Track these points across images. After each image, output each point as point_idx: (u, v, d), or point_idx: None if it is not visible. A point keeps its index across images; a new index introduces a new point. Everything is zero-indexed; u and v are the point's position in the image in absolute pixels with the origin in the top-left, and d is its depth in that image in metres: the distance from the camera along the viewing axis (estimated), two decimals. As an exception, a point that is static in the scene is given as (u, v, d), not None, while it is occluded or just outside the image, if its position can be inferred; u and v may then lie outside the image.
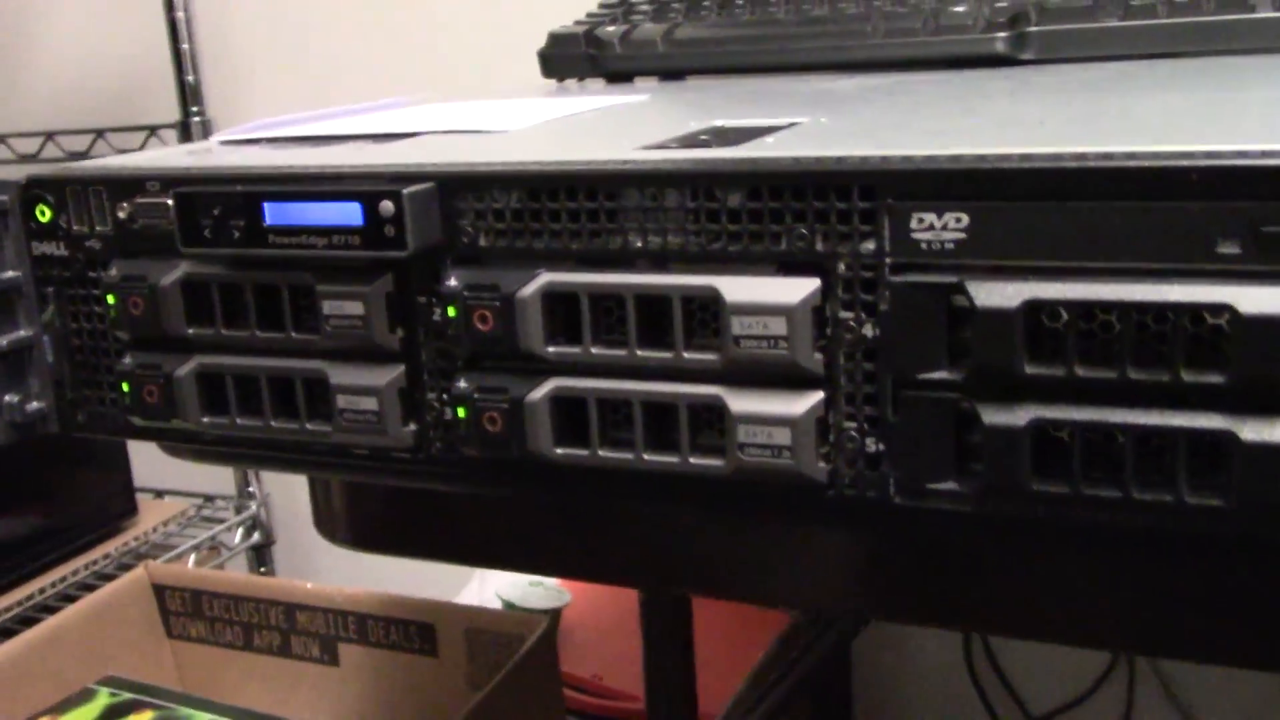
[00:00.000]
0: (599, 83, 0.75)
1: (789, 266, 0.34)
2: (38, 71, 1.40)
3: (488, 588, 1.12)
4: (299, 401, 0.41)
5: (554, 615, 1.09)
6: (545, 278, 0.36)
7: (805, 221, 0.33)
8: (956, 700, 1.27)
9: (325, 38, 1.21)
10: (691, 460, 0.36)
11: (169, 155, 0.47)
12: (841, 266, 0.33)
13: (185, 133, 1.16)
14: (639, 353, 0.36)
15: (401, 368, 0.39)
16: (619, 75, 0.74)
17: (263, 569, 1.30)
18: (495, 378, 0.38)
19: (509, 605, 1.08)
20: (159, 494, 1.27)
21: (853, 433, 0.34)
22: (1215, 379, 0.30)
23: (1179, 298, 0.30)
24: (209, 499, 1.28)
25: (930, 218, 0.32)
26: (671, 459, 0.36)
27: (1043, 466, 0.32)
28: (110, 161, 0.45)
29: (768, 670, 0.97)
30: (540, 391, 0.37)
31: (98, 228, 0.43)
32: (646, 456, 0.36)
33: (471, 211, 0.37)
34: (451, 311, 0.38)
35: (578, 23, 0.78)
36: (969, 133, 0.38)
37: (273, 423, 0.41)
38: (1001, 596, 0.40)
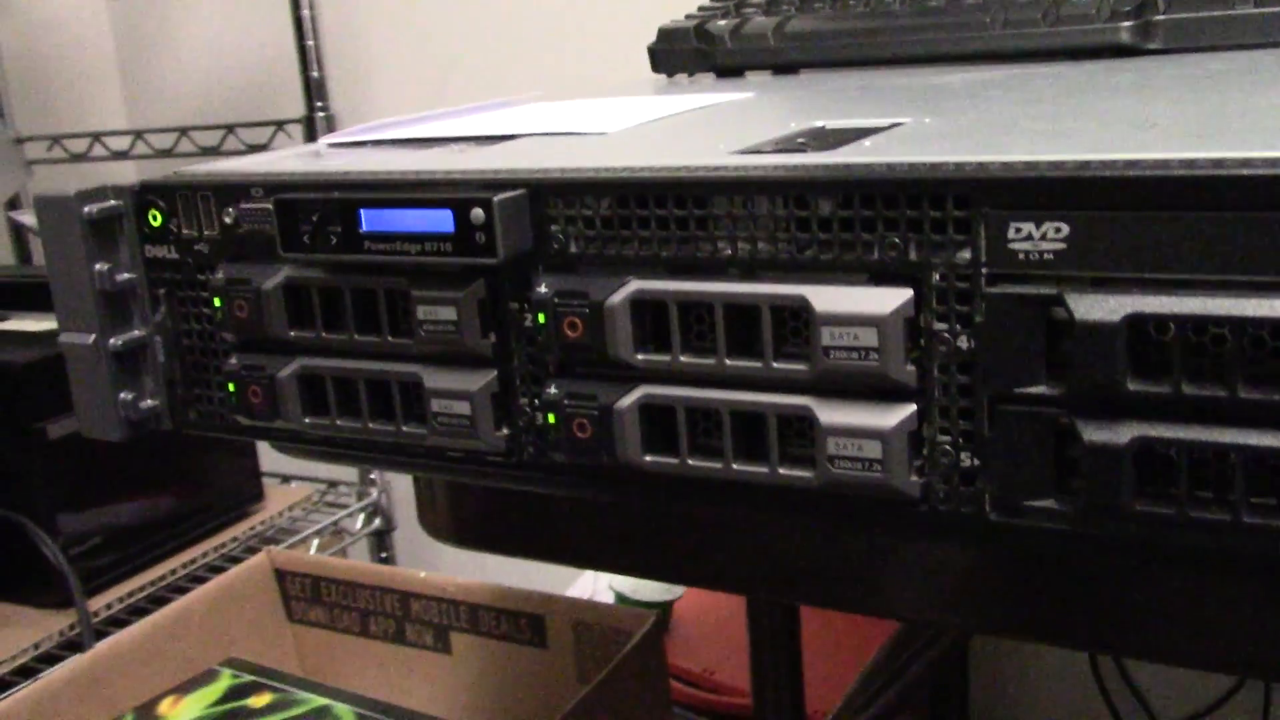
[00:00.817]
0: (709, 77, 0.74)
1: (881, 276, 0.33)
2: (173, 69, 1.45)
3: (601, 579, 1.13)
4: (395, 404, 0.41)
5: (665, 609, 1.09)
6: (634, 285, 0.36)
7: (898, 230, 0.32)
8: (1081, 705, 1.23)
9: (445, 34, 1.23)
10: (781, 471, 0.35)
11: (276, 159, 0.48)
12: (935, 277, 0.32)
13: (310, 128, 1.18)
14: (728, 362, 0.35)
15: (494, 373, 0.39)
16: (729, 70, 0.74)
17: (384, 555, 1.33)
18: (585, 384, 0.38)
19: (621, 597, 1.09)
20: (285, 479, 1.30)
21: (947, 447, 0.33)
22: (1334, 399, 0.28)
23: (1291, 313, 0.28)
24: (333, 485, 1.31)
25: (1028, 227, 0.31)
26: (761, 469, 0.35)
27: (1146, 486, 0.31)
28: (218, 167, 0.46)
29: (881, 669, 0.95)
30: (629, 399, 0.37)
31: (205, 232, 0.44)
32: (736, 466, 0.36)
33: (562, 218, 0.37)
34: (541, 318, 0.38)
35: (688, 17, 0.78)
36: (1075, 136, 0.36)
37: (371, 424, 0.42)
38: (1109, 615, 0.38)
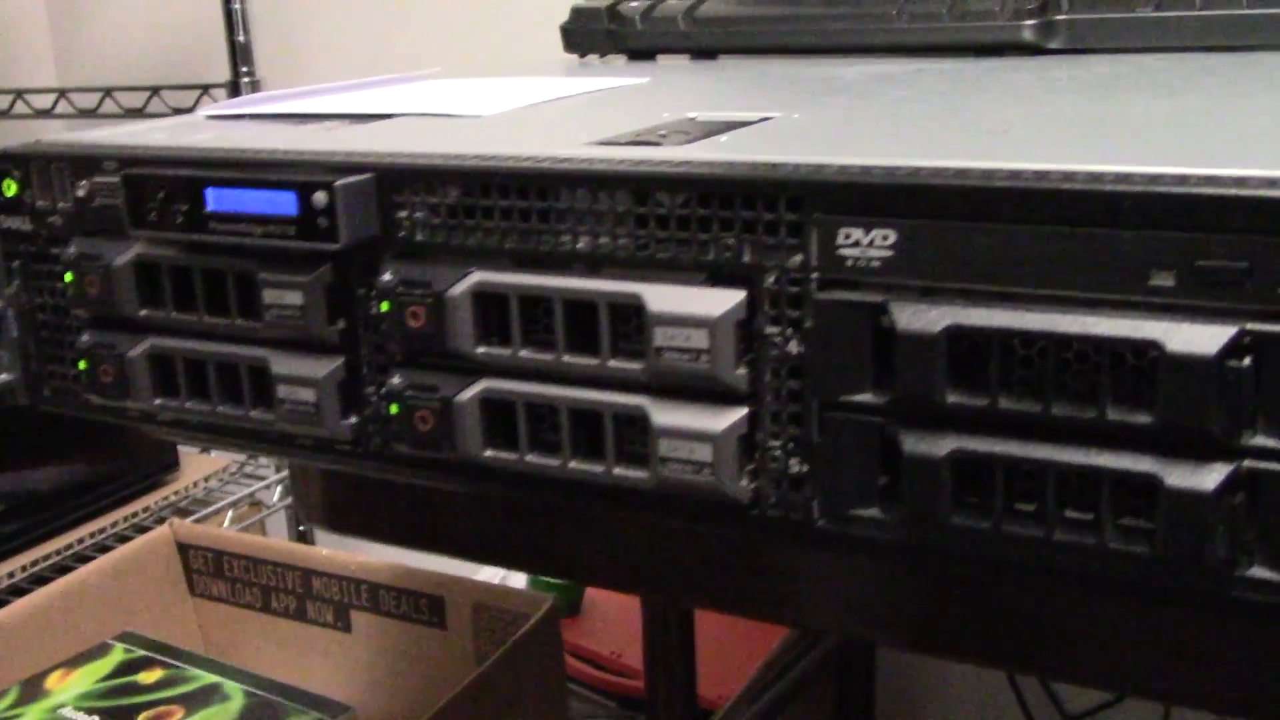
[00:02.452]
0: (621, 59, 0.74)
1: (718, 277, 0.33)
2: (103, 28, 1.42)
3: (515, 559, 1.12)
4: (244, 388, 0.40)
5: (572, 590, 1.09)
6: (476, 277, 0.35)
7: (733, 231, 0.32)
8: (989, 689, 1.24)
9: (374, 2, 1.21)
10: (616, 470, 0.35)
11: (141, 131, 0.47)
12: (769, 280, 0.32)
13: (234, 92, 1.16)
14: (566, 358, 0.35)
15: (340, 360, 0.39)
16: (640, 53, 0.73)
17: (301, 529, 1.32)
18: (428, 376, 0.37)
19: (534, 579, 1.08)
20: (205, 448, 1.29)
21: (777, 452, 0.33)
22: (1143, 419, 0.28)
23: (1104, 331, 0.28)
24: (252, 456, 1.30)
25: (857, 233, 0.30)
26: (597, 468, 0.35)
27: (968, 499, 0.31)
28: (75, 137, 0.45)
29: (787, 652, 0.96)
30: (470, 393, 0.36)
31: (60, 204, 0.43)
32: (572, 464, 0.35)
33: (409, 204, 0.36)
34: (385, 306, 0.37)
35: (604, -4, 0.77)
36: (927, 139, 0.36)
37: (220, 408, 0.41)
38: (1002, 631, 0.38)
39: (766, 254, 0.32)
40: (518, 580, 1.08)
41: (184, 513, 1.17)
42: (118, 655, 0.82)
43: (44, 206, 0.43)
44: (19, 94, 1.33)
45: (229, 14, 1.13)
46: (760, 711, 0.85)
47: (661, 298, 0.33)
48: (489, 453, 0.36)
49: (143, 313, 0.41)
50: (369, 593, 0.86)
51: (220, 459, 1.26)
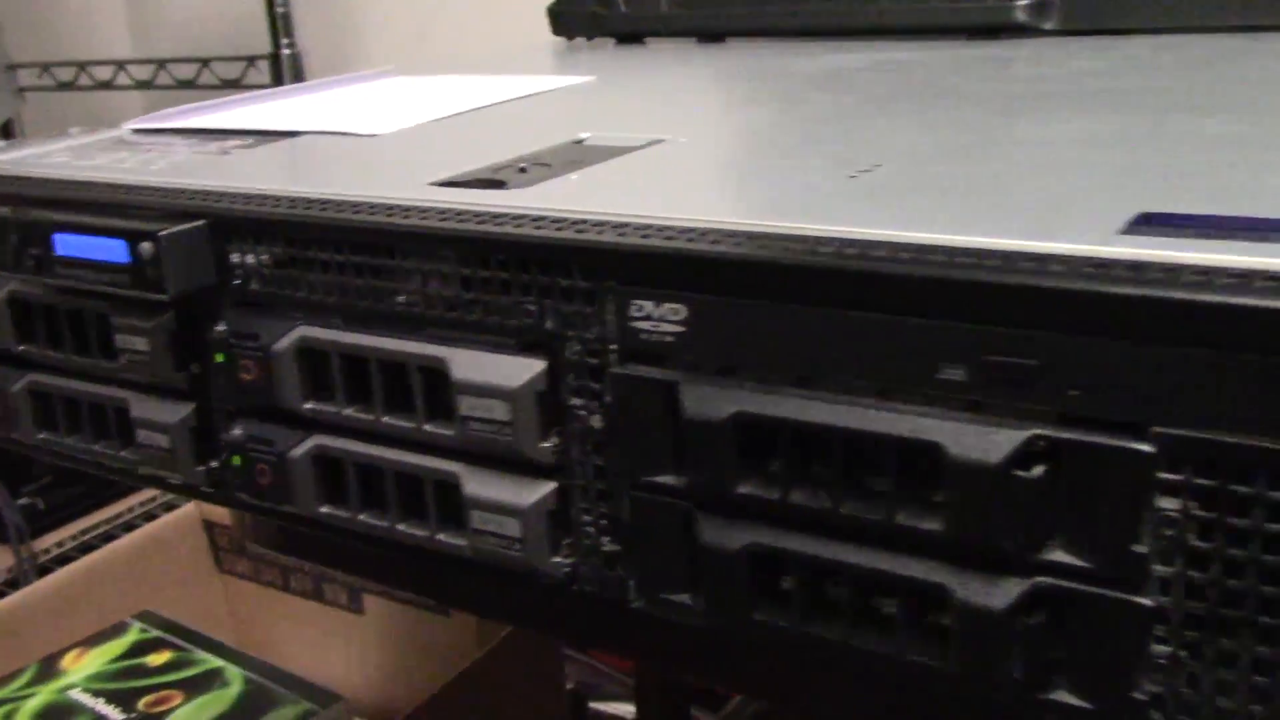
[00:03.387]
0: (609, 42, 0.71)
1: (526, 344, 0.31)
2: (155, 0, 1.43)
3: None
4: (111, 429, 0.40)
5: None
6: (300, 332, 0.34)
7: (533, 296, 0.30)
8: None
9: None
10: (439, 537, 0.33)
11: (54, 150, 0.46)
12: (571, 350, 0.30)
13: (276, 64, 1.16)
14: (385, 419, 0.33)
15: (192, 406, 0.38)
16: (627, 36, 0.70)
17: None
18: (266, 429, 0.36)
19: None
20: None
21: (590, 529, 0.31)
22: (932, 525, 0.25)
23: (886, 429, 0.25)
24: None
25: (648, 305, 0.28)
26: (421, 532, 0.33)
27: (773, 589, 0.28)
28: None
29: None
30: (302, 449, 0.35)
31: (-53, 235, 0.43)
32: (400, 527, 0.34)
33: (242, 252, 0.35)
34: (220, 358, 0.36)
35: (593, -22, 0.74)
36: (785, 182, 0.33)
37: (95, 446, 0.41)
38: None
39: (567, 323, 0.29)
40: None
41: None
42: (133, 635, 0.84)
43: (-65, 236, 0.43)
44: (82, 66, 1.35)
45: (269, -15, 1.13)
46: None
47: (465, 365, 0.31)
48: (324, 509, 0.35)
49: (20, 349, 0.41)
50: (379, 577, 0.86)
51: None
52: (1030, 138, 0.36)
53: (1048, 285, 0.23)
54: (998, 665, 0.25)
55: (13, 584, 1.00)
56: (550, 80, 0.54)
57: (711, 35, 0.67)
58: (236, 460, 0.36)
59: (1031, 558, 0.24)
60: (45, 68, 1.38)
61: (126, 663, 0.80)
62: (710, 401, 0.27)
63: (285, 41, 1.15)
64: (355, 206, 0.33)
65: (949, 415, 0.25)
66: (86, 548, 1.06)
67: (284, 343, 0.34)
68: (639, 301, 0.28)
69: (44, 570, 1.01)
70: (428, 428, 0.32)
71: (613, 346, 0.29)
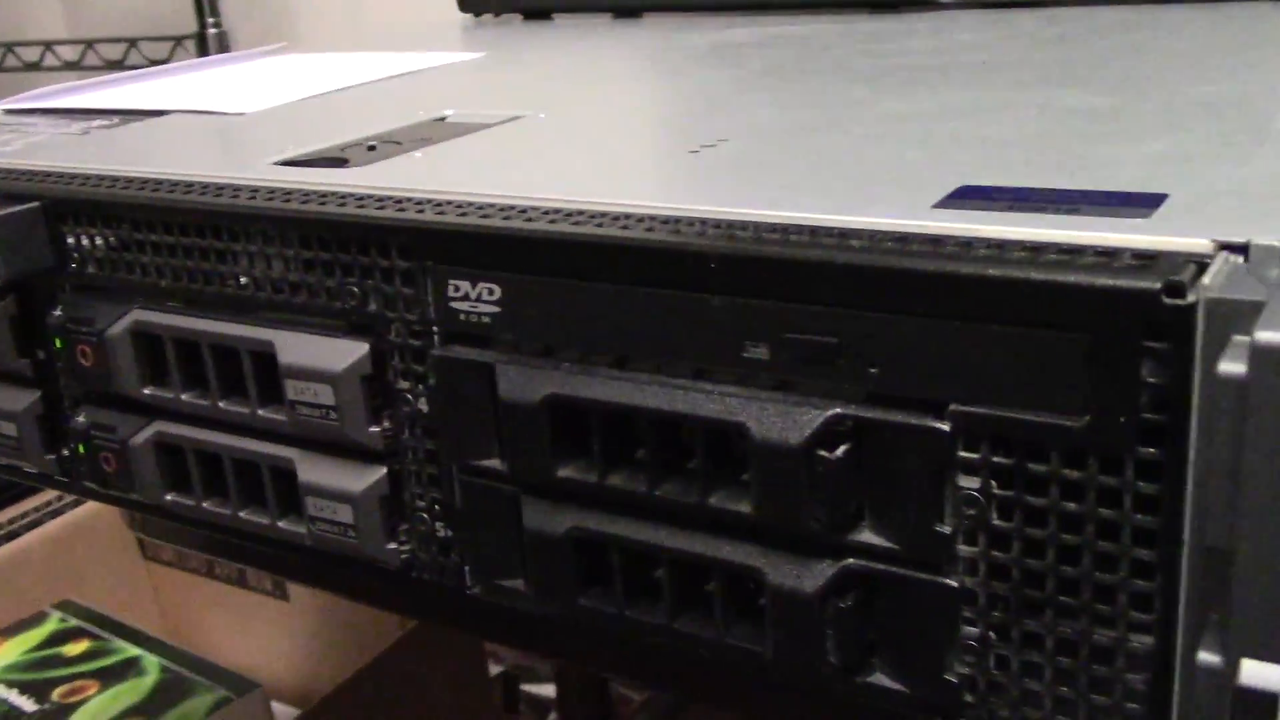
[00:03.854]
0: (517, 18, 0.70)
1: (351, 326, 0.30)
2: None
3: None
4: (-39, 418, 0.39)
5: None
6: (134, 316, 0.33)
7: (355, 276, 0.29)
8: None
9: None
10: (280, 525, 0.32)
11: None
12: (394, 332, 0.29)
13: (202, 44, 1.15)
14: (220, 404, 0.32)
15: (37, 394, 0.37)
16: (535, 12, 0.69)
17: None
18: (108, 415, 0.35)
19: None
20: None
21: (424, 515, 0.30)
22: (743, 507, 0.25)
23: (694, 410, 0.25)
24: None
25: (465, 286, 0.27)
26: (263, 520, 0.33)
27: (598, 573, 0.28)
28: None
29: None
30: (143, 435, 0.34)
31: None
32: (242, 514, 0.33)
33: (76, 235, 0.34)
34: (59, 343, 0.35)
35: (501, -48, 0.73)
36: (626, 157, 0.32)
37: (-52, 436, 0.39)
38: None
39: (390, 304, 0.29)
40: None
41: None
42: (52, 625, 0.83)
43: None
44: (9, 48, 1.32)
45: (193, -36, 1.11)
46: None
47: (291, 348, 0.30)
48: (169, 497, 0.34)
49: None
50: (302, 563, 0.85)
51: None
52: (884, 112, 0.35)
53: (844, 260, 0.23)
54: (813, 649, 0.25)
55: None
56: (438, 57, 0.53)
57: (627, 10, 0.66)
58: (81, 449, 0.35)
59: (840, 539, 0.24)
60: (-26, 49, 1.35)
61: (43, 653, 0.79)
62: (524, 384, 0.26)
63: (211, 21, 1.14)
64: (189, 187, 0.32)
65: (755, 396, 0.24)
66: (10, 536, 1.05)
67: (118, 327, 0.33)
68: (456, 281, 0.27)
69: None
70: (261, 413, 0.31)
71: (435, 328, 0.28)
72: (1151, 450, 0.21)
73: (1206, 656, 0.20)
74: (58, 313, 0.34)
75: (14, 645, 0.80)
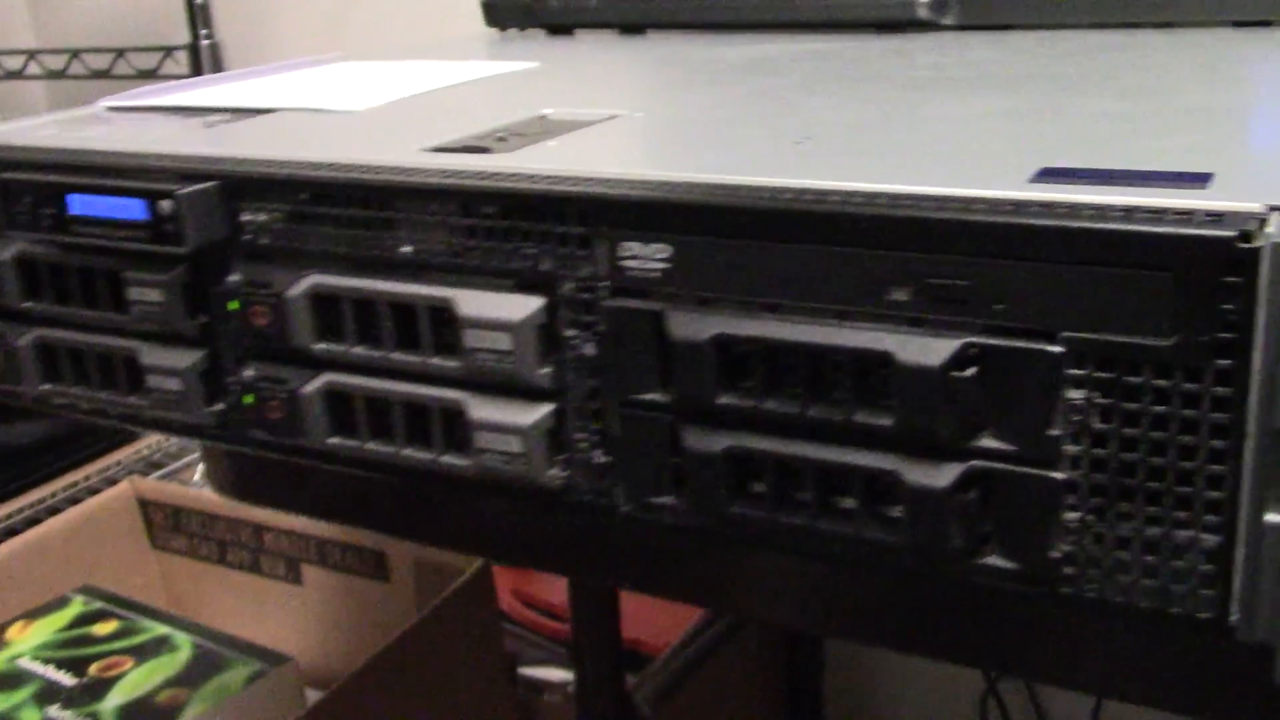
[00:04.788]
0: (540, 34, 0.75)
1: (523, 283, 0.35)
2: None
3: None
4: (119, 376, 0.43)
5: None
6: (312, 279, 0.38)
7: (533, 241, 0.34)
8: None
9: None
10: (443, 459, 0.37)
11: (40, 125, 0.49)
12: (566, 287, 0.34)
13: (195, 54, 1.18)
14: (393, 355, 0.37)
15: (203, 352, 0.41)
16: (559, 28, 0.74)
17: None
18: (277, 369, 0.40)
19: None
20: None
21: (583, 444, 0.35)
22: (885, 422, 0.30)
23: (847, 342, 0.30)
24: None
25: (636, 246, 0.33)
26: (427, 455, 0.38)
27: (747, 488, 0.33)
28: (-31, 136, 0.47)
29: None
30: (313, 386, 0.39)
31: (-51, 201, 0.45)
32: (405, 452, 0.38)
33: (252, 210, 0.39)
34: (233, 305, 0.39)
35: (525, -30, 0.78)
36: (736, 148, 0.38)
37: (101, 394, 0.44)
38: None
39: (562, 264, 0.34)
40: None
41: (156, 467, 1.20)
42: (76, 607, 0.86)
43: (-64, 203, 0.46)
44: (-11, 55, 1.34)
45: (187, -25, 1.14)
46: (690, 661, 0.88)
47: (470, 303, 0.35)
48: (333, 440, 0.39)
49: (25, 305, 0.44)
50: (317, 548, 0.89)
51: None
52: (940, 114, 0.41)
53: (974, 219, 0.29)
54: (940, 536, 0.30)
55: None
56: (496, 65, 0.58)
57: (634, 27, 0.72)
58: (249, 399, 0.40)
59: (966, 445, 0.30)
60: (-50, 56, 1.37)
61: (73, 632, 0.82)
62: (693, 325, 0.32)
63: (204, 32, 1.17)
64: (363, 168, 0.37)
65: (897, 330, 0.30)
66: (9, 532, 1.07)
67: (297, 289, 0.38)
68: (628, 244, 0.33)
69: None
70: (434, 361, 0.36)
71: (604, 283, 0.34)
72: (1226, 361, 0.27)
73: (1272, 517, 0.26)
74: (235, 278, 0.39)
75: (43, 625, 0.83)
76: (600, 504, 0.36)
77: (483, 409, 0.36)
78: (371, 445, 0.39)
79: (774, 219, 0.31)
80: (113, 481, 1.14)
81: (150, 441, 1.23)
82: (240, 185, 0.39)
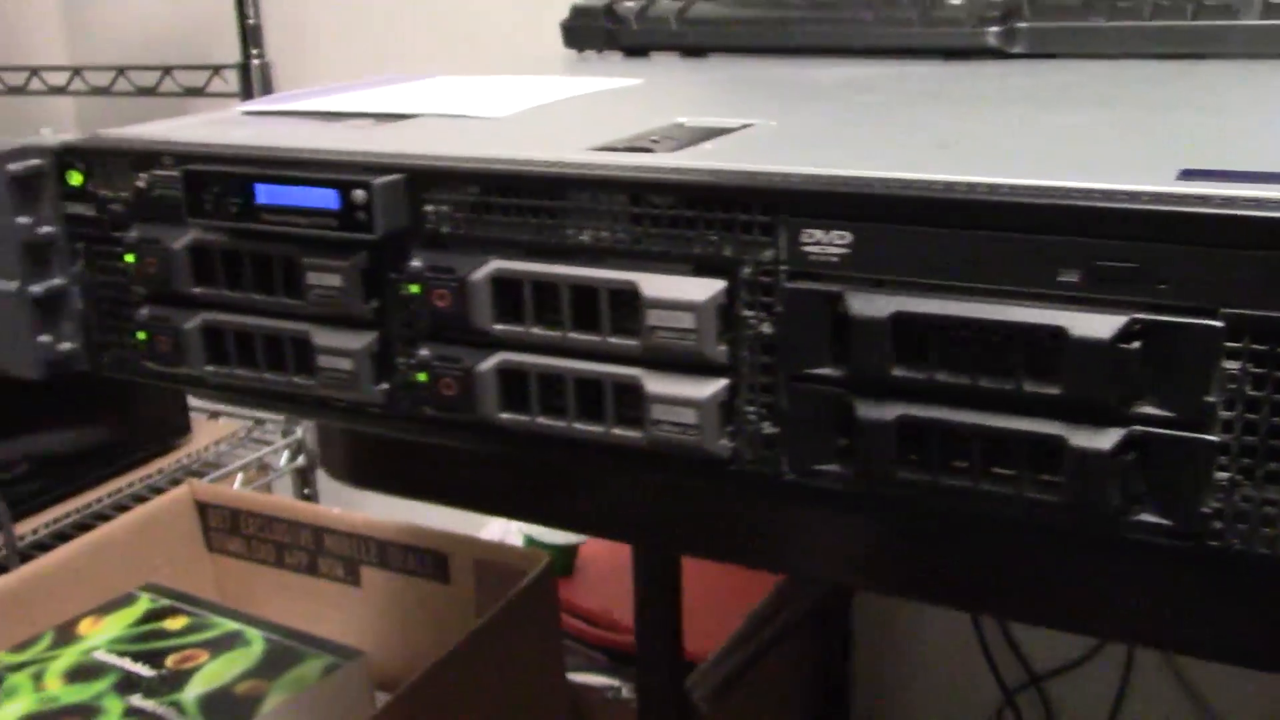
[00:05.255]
0: (616, 55, 0.79)
1: (701, 268, 0.38)
2: (113, 6, 1.46)
3: (511, 521, 1.19)
4: (287, 358, 0.46)
5: (571, 551, 1.15)
6: (494, 265, 0.41)
7: (715, 229, 0.38)
8: (959, 649, 1.31)
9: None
10: (614, 431, 0.41)
11: (190, 126, 0.52)
12: (745, 271, 0.38)
13: (245, 74, 1.21)
14: (571, 335, 0.40)
15: (374, 334, 0.44)
16: (635, 50, 0.78)
17: (306, 491, 1.37)
18: (452, 349, 0.43)
19: (529, 539, 1.14)
20: (213, 415, 1.34)
21: (751, 416, 0.39)
22: (1052, 390, 0.34)
23: (1021, 319, 0.34)
24: (259, 422, 1.35)
25: (818, 233, 0.36)
26: (598, 428, 0.41)
27: (912, 456, 0.37)
28: (131, 132, 0.50)
29: (769, 609, 1.02)
30: (488, 363, 0.42)
31: (121, 193, 0.48)
32: (576, 425, 0.41)
33: (435, 201, 0.42)
34: (414, 289, 0.43)
35: (601, -6, 0.82)
36: (882, 151, 0.41)
37: (266, 374, 0.47)
38: (970, 577, 0.44)
39: (743, 249, 0.37)
40: (515, 541, 1.14)
41: (196, 475, 1.22)
42: (144, 604, 0.88)
43: (106, 195, 0.49)
44: (34, 71, 1.37)
45: (240, -1, 1.18)
46: (741, 663, 0.91)
47: (654, 285, 0.38)
48: (505, 415, 0.42)
49: (196, 290, 0.47)
50: (378, 549, 0.92)
51: (230, 424, 1.31)
52: (1060, 124, 0.45)
53: (1143, 208, 0.32)
54: (1101, 495, 0.34)
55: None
56: (603, 81, 0.62)
57: (698, 50, 0.76)
58: (423, 376, 0.43)
59: (1128, 411, 0.33)
60: (-8, 71, 1.40)
61: (145, 627, 0.85)
62: (874, 305, 0.35)
63: (255, 52, 1.21)
64: (541, 163, 0.41)
65: (1067, 307, 0.33)
66: (61, 536, 1.09)
67: (480, 274, 0.41)
68: (810, 230, 0.36)
69: (25, 557, 1.04)
70: (612, 340, 0.40)
71: (783, 267, 0.37)
72: (1373, 334, 0.31)
73: None
74: (416, 264, 0.42)
75: (114, 620, 0.86)
76: (765, 472, 0.39)
77: (660, 383, 0.39)
78: (543, 420, 0.42)
79: (951, 208, 0.34)
80: (155, 489, 1.17)
81: (190, 450, 1.26)
82: (424, 177, 0.42)
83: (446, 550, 0.89)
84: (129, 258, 0.48)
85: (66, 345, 0.51)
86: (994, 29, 0.68)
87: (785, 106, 0.53)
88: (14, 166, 0.49)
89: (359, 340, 0.44)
